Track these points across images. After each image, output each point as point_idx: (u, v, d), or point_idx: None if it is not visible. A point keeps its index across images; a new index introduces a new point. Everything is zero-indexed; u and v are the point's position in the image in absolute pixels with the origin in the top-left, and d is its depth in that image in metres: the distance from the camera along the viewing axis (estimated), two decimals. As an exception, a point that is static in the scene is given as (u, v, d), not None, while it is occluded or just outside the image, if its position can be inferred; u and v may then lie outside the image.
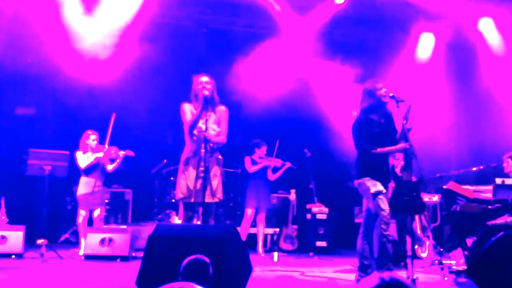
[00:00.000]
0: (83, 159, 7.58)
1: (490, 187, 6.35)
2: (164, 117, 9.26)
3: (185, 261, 3.09)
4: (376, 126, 5.28)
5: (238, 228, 8.35)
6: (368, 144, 5.21)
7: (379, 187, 5.13)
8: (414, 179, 5.22)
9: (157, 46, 8.96)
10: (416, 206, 5.03)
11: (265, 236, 9.22)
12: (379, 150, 5.21)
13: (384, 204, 5.07)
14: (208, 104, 5.48)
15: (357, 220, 9.13)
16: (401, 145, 5.20)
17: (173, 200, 9.05)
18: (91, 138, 7.68)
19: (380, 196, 5.08)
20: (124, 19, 8.92)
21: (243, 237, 8.28)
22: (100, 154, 7.54)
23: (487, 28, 9.77)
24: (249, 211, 8.41)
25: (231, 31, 9.83)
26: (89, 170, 7.60)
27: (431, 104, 9.44)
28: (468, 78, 9.85)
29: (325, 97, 9.40)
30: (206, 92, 5.46)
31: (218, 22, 9.79)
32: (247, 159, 8.55)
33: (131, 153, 7.83)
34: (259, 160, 8.54)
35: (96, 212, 7.59)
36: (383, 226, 5.03)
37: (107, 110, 9.21)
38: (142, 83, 9.10)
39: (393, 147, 5.26)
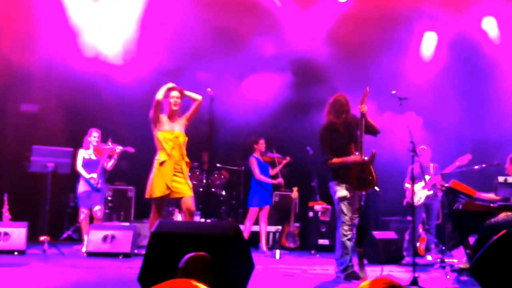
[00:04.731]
0: (80, 161, 7.60)
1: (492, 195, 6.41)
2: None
3: (185, 257, 3.09)
4: (335, 133, 5.65)
5: (242, 226, 8.42)
6: (326, 154, 5.64)
7: (344, 192, 5.58)
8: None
9: (160, 43, 8.96)
10: (367, 182, 5.44)
11: (268, 233, 9.22)
12: (334, 160, 5.59)
13: (347, 210, 5.57)
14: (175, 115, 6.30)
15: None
16: (353, 158, 5.52)
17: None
18: (93, 135, 7.70)
19: (345, 202, 5.56)
20: (129, 16, 8.95)
21: (246, 235, 8.30)
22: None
23: (490, 27, 9.76)
24: (254, 210, 8.42)
25: (234, 29, 9.82)
26: (90, 168, 7.60)
27: (433, 102, 9.43)
28: (470, 77, 9.83)
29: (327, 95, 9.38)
30: (175, 108, 6.24)
31: (222, 20, 9.77)
32: (252, 160, 8.52)
33: (131, 150, 7.84)
34: (266, 158, 8.57)
35: (97, 212, 7.60)
36: (344, 227, 5.55)
37: (111, 107, 9.27)
38: (145, 79, 9.11)
39: (347, 158, 5.57)
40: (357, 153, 5.51)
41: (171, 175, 6.08)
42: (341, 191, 5.59)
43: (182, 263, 3.05)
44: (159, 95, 6.12)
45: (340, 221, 5.60)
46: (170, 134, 6.14)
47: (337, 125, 5.66)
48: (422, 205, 7.75)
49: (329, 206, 9.24)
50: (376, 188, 5.58)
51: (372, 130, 5.69)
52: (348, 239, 5.55)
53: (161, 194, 6.07)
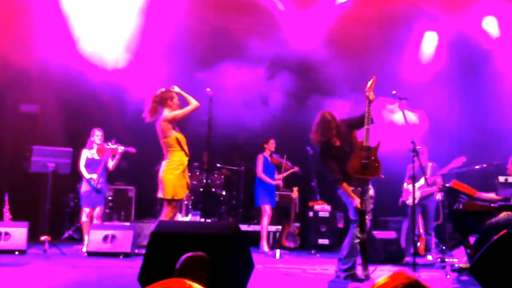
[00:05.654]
0: (83, 161, 7.61)
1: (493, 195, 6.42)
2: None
3: (183, 257, 3.09)
4: (332, 150, 5.70)
5: (258, 226, 8.45)
6: (335, 174, 5.66)
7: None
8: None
9: (160, 43, 8.96)
10: (373, 168, 5.53)
11: (268, 233, 9.23)
12: (344, 185, 5.61)
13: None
14: None
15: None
16: (357, 201, 5.56)
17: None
18: (96, 134, 7.72)
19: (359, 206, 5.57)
20: (128, 16, 8.94)
21: (265, 234, 8.32)
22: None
23: (491, 26, 9.76)
24: (267, 207, 8.43)
25: (234, 29, 9.82)
26: (93, 167, 7.61)
27: (434, 102, 9.42)
28: (470, 76, 9.83)
29: (328, 94, 9.39)
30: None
31: (221, 20, 9.78)
32: (259, 158, 8.53)
33: (132, 150, 7.85)
34: (274, 160, 8.59)
35: (96, 211, 7.60)
36: (358, 229, 5.58)
37: (110, 108, 9.26)
38: (145, 79, 9.12)
39: (352, 194, 5.59)
40: (359, 139, 5.59)
41: (187, 175, 6.32)
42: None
43: (179, 263, 3.06)
44: (195, 101, 6.24)
45: (355, 224, 5.62)
46: (182, 136, 6.28)
47: (330, 142, 5.71)
48: (417, 205, 7.71)
49: (329, 206, 9.24)
50: (381, 175, 5.71)
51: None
52: (358, 243, 5.57)
53: (185, 194, 6.29)
